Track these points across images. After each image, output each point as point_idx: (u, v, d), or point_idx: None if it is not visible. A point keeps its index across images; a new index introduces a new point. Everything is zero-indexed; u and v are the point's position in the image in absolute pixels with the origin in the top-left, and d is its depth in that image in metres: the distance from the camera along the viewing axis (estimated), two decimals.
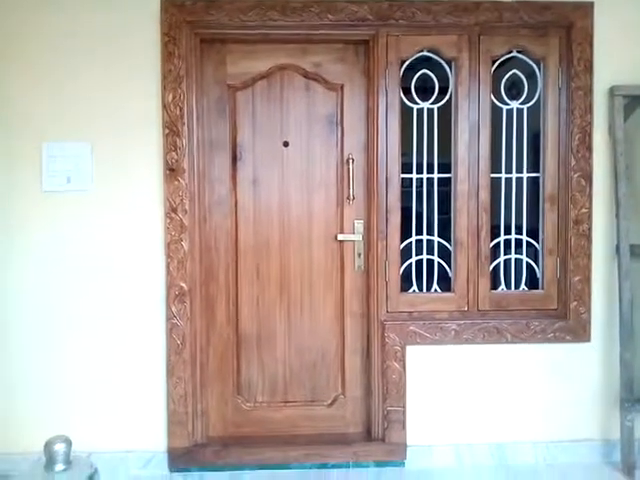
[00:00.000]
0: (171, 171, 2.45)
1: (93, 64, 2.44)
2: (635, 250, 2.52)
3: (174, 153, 2.44)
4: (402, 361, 2.55)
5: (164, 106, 2.43)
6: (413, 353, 2.56)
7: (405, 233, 2.61)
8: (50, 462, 1.76)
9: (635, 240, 2.53)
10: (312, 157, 2.63)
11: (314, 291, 2.66)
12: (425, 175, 2.63)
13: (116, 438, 2.52)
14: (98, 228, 2.49)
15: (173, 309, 2.47)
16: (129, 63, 2.45)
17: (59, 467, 1.75)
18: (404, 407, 2.55)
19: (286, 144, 2.62)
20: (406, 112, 2.58)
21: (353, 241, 2.64)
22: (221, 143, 2.59)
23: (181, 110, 2.44)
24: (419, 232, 2.63)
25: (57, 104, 2.44)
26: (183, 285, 2.46)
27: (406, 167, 2.60)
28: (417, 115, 2.60)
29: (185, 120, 2.44)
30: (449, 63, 2.57)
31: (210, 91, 2.57)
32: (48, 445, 1.77)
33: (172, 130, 2.44)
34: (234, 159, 2.61)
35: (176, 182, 2.45)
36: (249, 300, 2.65)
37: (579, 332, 2.58)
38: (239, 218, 2.62)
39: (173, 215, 2.46)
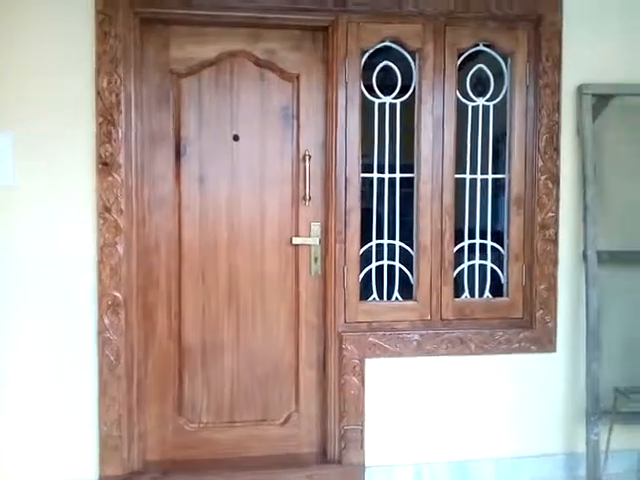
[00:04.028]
0: (104, 165, 2.19)
1: (20, 45, 2.15)
2: (603, 257, 2.42)
3: (108, 145, 2.19)
4: (361, 375, 2.37)
5: (98, 92, 2.18)
6: (372, 367, 2.39)
7: (365, 237, 2.44)
8: None
9: (603, 246, 2.44)
10: (265, 153, 2.42)
11: (266, 299, 2.46)
12: (387, 175, 2.46)
13: (40, 467, 2.25)
14: (21, 229, 2.21)
15: (105, 321, 2.21)
16: (60, 45, 2.18)
17: None
18: (362, 425, 2.38)
19: (236, 138, 2.40)
20: (367, 106, 2.40)
21: (309, 245, 2.45)
22: (163, 135, 2.35)
23: (117, 97, 2.18)
24: (380, 236, 2.47)
25: None
26: (117, 294, 2.21)
27: (367, 166, 2.43)
28: (379, 110, 2.43)
29: (122, 108, 2.19)
30: (413, 55, 2.41)
31: (151, 77, 2.32)
32: None
33: (107, 119, 2.18)
34: (178, 154, 2.37)
35: (110, 178, 2.19)
36: (193, 309, 2.41)
37: (544, 342, 2.48)
38: (183, 219, 2.39)
39: (107, 215, 2.20)
